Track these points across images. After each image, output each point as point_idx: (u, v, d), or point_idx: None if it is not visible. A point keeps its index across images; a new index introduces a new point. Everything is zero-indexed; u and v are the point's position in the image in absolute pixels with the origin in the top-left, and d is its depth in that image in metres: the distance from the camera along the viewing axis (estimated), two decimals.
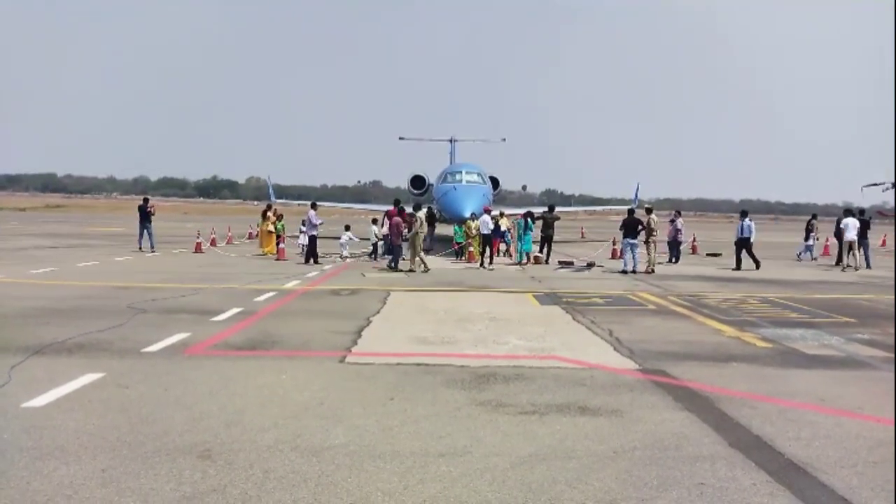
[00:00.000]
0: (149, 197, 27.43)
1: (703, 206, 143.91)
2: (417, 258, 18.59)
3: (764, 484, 4.39)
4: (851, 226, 21.65)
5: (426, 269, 18.31)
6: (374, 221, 23.44)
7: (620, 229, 19.96)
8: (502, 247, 23.60)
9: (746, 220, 20.95)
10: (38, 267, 16.63)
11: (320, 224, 20.70)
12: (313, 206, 21.35)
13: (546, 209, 23.95)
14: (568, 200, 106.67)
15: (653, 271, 19.15)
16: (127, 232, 25.89)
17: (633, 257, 19.25)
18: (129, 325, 9.32)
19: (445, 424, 5.41)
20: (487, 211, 22.45)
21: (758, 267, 20.27)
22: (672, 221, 24.00)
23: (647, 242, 19.76)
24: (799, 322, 10.97)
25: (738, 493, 4.24)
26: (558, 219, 24.11)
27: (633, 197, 38.15)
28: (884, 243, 35.98)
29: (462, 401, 6.07)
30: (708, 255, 27.14)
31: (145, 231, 23.34)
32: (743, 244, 20.77)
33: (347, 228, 22.63)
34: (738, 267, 20.40)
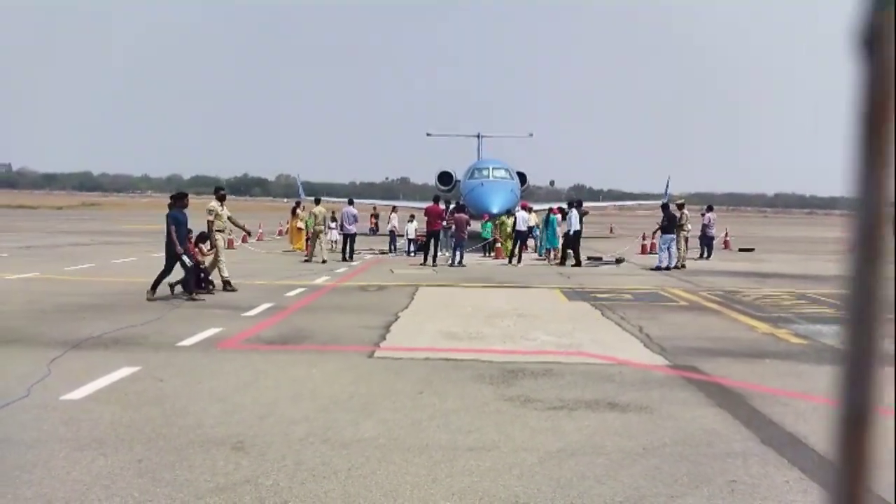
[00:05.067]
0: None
1: (736, 201, 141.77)
2: (319, 249, 19.65)
3: (797, 482, 4.32)
4: None
5: (324, 261, 19.16)
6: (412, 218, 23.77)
7: (660, 227, 19.28)
8: (530, 243, 23.49)
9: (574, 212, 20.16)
10: (75, 264, 17.00)
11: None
12: (350, 203, 21.76)
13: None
14: (596, 195, 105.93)
15: (684, 266, 18.90)
16: (163, 229, 26.27)
17: (670, 255, 18.84)
18: (163, 320, 9.51)
19: (474, 419, 5.42)
20: (525, 207, 22.29)
21: (578, 264, 19.31)
22: (703, 216, 23.65)
23: (677, 238, 19.44)
24: (835, 318, 10.74)
25: (770, 490, 4.19)
26: (587, 213, 23.91)
27: (663, 191, 37.64)
28: None
29: (490, 396, 6.08)
30: (741, 250, 26.75)
31: None
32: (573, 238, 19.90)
33: (410, 220, 23.21)
34: (563, 262, 19.72)
